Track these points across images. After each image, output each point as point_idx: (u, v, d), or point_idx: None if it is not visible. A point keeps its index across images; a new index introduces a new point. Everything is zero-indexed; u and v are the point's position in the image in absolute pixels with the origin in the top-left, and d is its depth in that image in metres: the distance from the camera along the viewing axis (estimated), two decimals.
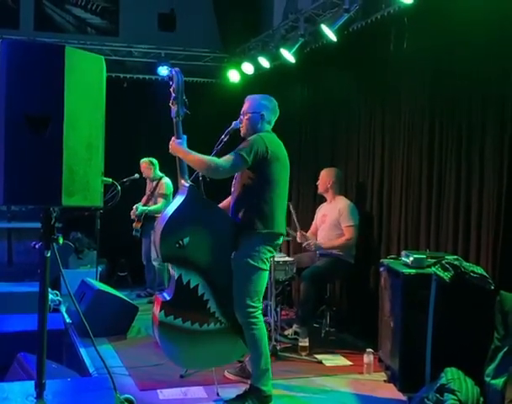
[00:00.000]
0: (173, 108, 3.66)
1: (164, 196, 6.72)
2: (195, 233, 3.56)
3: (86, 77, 2.39)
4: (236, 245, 3.63)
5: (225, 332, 3.68)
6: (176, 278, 3.58)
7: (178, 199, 3.63)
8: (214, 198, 3.84)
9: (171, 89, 3.67)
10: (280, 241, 3.75)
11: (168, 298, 3.61)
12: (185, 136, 3.66)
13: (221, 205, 3.91)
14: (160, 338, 3.64)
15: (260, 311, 3.64)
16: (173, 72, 3.68)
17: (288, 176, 3.79)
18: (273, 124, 3.84)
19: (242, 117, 3.82)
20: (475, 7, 3.99)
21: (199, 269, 3.57)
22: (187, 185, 3.63)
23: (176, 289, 3.58)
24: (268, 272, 3.72)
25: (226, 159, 3.56)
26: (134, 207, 6.72)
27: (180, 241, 3.51)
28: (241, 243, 3.62)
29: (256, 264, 3.58)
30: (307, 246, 5.21)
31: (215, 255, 3.61)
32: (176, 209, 3.58)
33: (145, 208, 6.74)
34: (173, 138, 3.66)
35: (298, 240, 5.32)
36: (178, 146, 3.62)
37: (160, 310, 3.57)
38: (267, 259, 3.65)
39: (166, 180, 6.78)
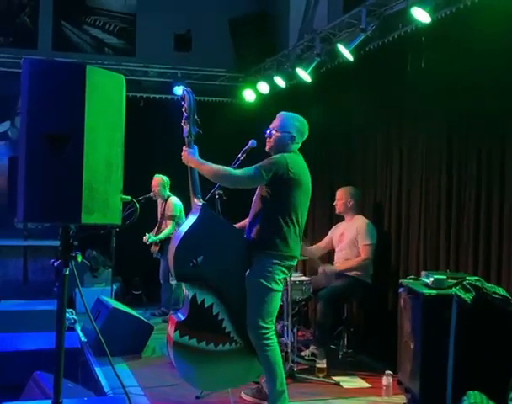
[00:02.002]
0: (185, 128, 3.67)
1: (172, 218, 6.72)
2: (209, 252, 3.54)
3: (106, 96, 2.40)
4: (250, 263, 3.59)
5: (240, 352, 3.63)
6: (190, 297, 3.55)
7: (192, 218, 3.62)
8: (232, 216, 3.82)
9: (183, 109, 3.68)
10: (294, 263, 3.70)
11: (182, 318, 3.59)
12: (196, 146, 3.66)
13: (240, 224, 3.87)
14: (175, 359, 3.60)
15: (273, 332, 3.58)
16: (185, 92, 3.70)
17: (308, 202, 3.73)
18: (300, 145, 3.79)
19: (271, 132, 3.76)
20: (493, 24, 3.97)
21: (213, 288, 3.55)
22: (200, 204, 3.62)
23: (190, 309, 3.56)
24: (281, 293, 3.66)
25: (244, 170, 3.57)
26: (145, 238, 6.70)
27: (194, 260, 3.50)
28: (254, 263, 3.58)
29: (269, 285, 3.53)
30: (323, 271, 5.16)
31: (229, 274, 3.59)
32: (189, 228, 3.57)
33: (155, 238, 6.73)
34: (184, 148, 3.66)
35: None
36: (190, 156, 3.61)
37: (175, 331, 3.55)
38: (280, 280, 3.59)
39: (174, 200, 6.77)
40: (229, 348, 3.60)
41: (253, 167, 3.57)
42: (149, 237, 6.70)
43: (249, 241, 3.63)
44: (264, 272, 3.54)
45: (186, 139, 3.67)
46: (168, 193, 6.86)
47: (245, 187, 3.67)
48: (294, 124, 3.76)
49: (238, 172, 3.56)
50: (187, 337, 3.53)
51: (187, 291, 3.60)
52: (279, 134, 3.73)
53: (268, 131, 3.78)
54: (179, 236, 3.58)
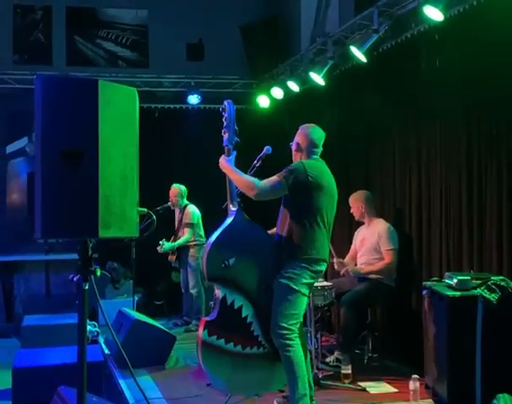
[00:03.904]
0: (225, 137, 3.86)
1: (190, 225, 6.70)
2: (241, 254, 3.65)
3: (119, 110, 2.40)
4: (279, 269, 3.64)
5: (267, 357, 3.66)
6: (221, 297, 3.65)
7: (226, 222, 3.76)
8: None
9: (223, 119, 3.86)
10: (323, 267, 3.72)
11: (212, 317, 3.68)
12: (235, 152, 3.84)
13: (271, 231, 3.90)
14: (202, 358, 3.67)
15: (297, 335, 3.59)
16: (226, 103, 3.91)
17: (333, 204, 3.79)
18: (320, 149, 3.87)
19: (292, 145, 3.91)
20: (506, 19, 3.91)
21: (243, 291, 3.64)
22: (234, 209, 3.77)
23: (220, 309, 3.65)
24: (307, 298, 3.70)
25: (266, 182, 3.68)
26: (159, 248, 6.65)
27: (226, 262, 3.60)
28: (283, 267, 3.63)
29: (295, 287, 3.57)
30: (346, 273, 5.11)
31: (260, 277, 3.67)
32: (223, 231, 3.71)
33: (171, 244, 6.70)
34: (222, 156, 3.84)
35: (336, 268, 5.25)
36: (225, 163, 3.80)
37: (203, 330, 3.64)
38: (307, 284, 3.63)
39: (191, 209, 6.76)
40: (257, 351, 3.65)
41: (273, 177, 3.67)
42: (163, 245, 6.64)
43: (279, 248, 3.70)
44: (291, 275, 3.59)
45: (226, 147, 3.85)
46: (186, 201, 6.86)
47: (269, 198, 3.76)
48: (307, 133, 3.86)
49: (262, 184, 3.66)
50: (215, 337, 3.61)
51: (218, 292, 3.69)
52: (295, 146, 3.88)
53: (291, 144, 3.94)
54: (213, 237, 3.72)
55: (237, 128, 3.86)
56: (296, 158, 3.87)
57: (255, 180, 3.71)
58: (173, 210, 6.93)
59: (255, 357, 3.64)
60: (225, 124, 3.86)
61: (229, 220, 3.76)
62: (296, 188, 3.62)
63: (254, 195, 3.68)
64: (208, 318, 3.71)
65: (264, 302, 3.64)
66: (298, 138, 3.88)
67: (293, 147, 3.90)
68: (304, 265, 3.60)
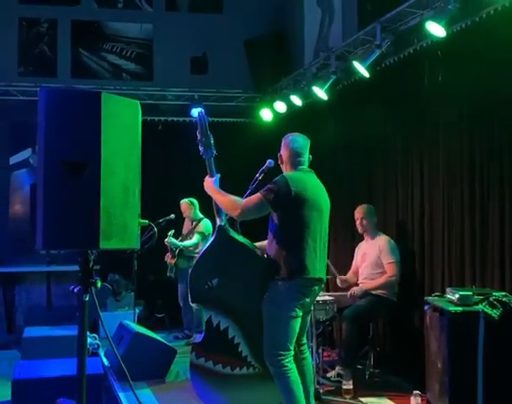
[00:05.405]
0: (201, 150, 3.68)
1: (200, 233, 6.63)
2: (225, 274, 3.52)
3: (122, 122, 2.42)
4: (266, 288, 3.50)
5: (259, 377, 3.56)
6: (206, 319, 3.56)
7: (209, 240, 3.66)
8: (253, 238, 3.77)
9: (197, 132, 3.69)
10: (315, 287, 3.53)
11: (199, 340, 3.62)
12: (218, 175, 3.67)
13: (261, 243, 3.75)
14: (192, 380, 3.63)
15: (291, 359, 3.46)
16: (198, 115, 3.71)
17: (323, 218, 3.58)
18: (307, 158, 3.69)
19: (279, 159, 3.77)
20: (510, 34, 3.92)
21: (229, 311, 3.52)
22: (217, 225, 3.64)
23: (206, 331, 3.57)
24: (299, 319, 3.52)
25: (249, 200, 3.52)
26: (166, 240, 6.51)
27: (209, 283, 3.49)
28: (269, 289, 3.49)
29: (283, 311, 3.43)
30: (352, 294, 5.09)
31: (246, 297, 3.54)
32: (205, 250, 3.62)
33: (177, 243, 6.59)
34: (206, 176, 3.68)
35: (340, 285, 5.24)
36: (209, 184, 3.64)
37: (191, 352, 3.58)
38: (296, 306, 3.45)
39: (206, 221, 6.72)
40: (246, 372, 3.55)
41: (255, 195, 3.52)
42: (170, 237, 6.52)
43: (266, 267, 3.54)
44: (278, 299, 3.45)
45: (206, 161, 3.68)
46: (201, 215, 6.77)
47: (254, 217, 3.55)
48: (287, 143, 3.69)
49: (245, 204, 3.49)
50: (203, 359, 3.54)
51: (204, 313, 3.61)
52: (279, 159, 3.73)
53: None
54: (197, 257, 3.63)
55: (211, 140, 3.62)
56: (284, 171, 3.69)
57: (238, 200, 3.52)
58: (175, 223, 6.88)
59: (246, 378, 3.54)
60: (198, 137, 3.66)
61: (211, 238, 3.63)
62: (279, 205, 3.45)
63: (237, 216, 3.50)
64: (196, 340, 3.64)
65: (251, 322, 3.50)
66: (281, 150, 3.70)
67: (279, 160, 3.73)
68: (292, 287, 3.42)
